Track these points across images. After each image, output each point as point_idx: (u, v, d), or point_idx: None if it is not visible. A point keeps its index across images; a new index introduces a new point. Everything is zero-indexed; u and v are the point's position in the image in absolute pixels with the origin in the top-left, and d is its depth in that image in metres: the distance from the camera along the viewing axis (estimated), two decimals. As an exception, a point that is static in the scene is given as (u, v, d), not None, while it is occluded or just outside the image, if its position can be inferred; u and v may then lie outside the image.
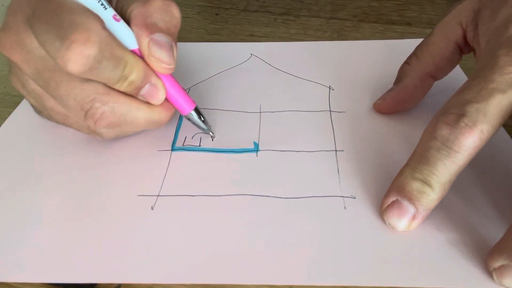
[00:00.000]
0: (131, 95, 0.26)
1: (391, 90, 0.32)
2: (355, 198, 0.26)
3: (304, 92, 0.35)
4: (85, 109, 0.25)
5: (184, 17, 0.47)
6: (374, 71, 0.36)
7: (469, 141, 0.21)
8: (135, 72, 0.24)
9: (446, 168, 0.22)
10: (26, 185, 0.27)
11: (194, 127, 0.29)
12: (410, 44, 0.32)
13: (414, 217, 0.23)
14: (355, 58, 0.38)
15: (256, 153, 0.29)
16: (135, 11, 0.25)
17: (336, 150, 0.29)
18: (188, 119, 0.29)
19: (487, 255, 0.21)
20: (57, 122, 0.28)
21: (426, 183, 0.22)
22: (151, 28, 0.24)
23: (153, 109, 0.27)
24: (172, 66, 0.26)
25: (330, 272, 0.22)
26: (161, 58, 0.25)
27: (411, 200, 0.23)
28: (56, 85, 0.24)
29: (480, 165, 0.27)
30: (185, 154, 0.29)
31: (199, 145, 0.30)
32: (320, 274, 0.22)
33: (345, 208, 0.25)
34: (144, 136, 0.31)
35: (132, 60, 0.24)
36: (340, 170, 0.28)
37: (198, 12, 0.48)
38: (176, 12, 0.26)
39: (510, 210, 0.24)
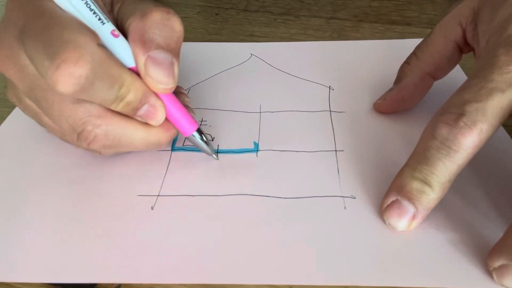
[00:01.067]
0: (128, 115, 0.24)
1: (391, 90, 0.32)
2: (355, 198, 0.26)
3: (304, 92, 0.35)
4: (77, 132, 0.24)
5: (184, 17, 0.47)
6: (374, 71, 0.36)
7: (469, 140, 0.21)
8: (132, 93, 0.23)
9: (445, 168, 0.22)
10: (26, 185, 0.27)
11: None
12: (410, 44, 0.32)
13: (414, 217, 0.23)
14: (355, 58, 0.38)
15: (256, 153, 0.29)
16: (133, 25, 0.23)
17: (336, 150, 0.29)
18: (190, 140, 0.27)
19: (486, 255, 0.21)
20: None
21: (425, 182, 0.22)
22: (148, 44, 0.22)
23: (151, 130, 0.25)
24: (171, 86, 0.24)
25: (330, 272, 0.22)
26: (159, 78, 0.23)
27: (411, 200, 0.23)
28: (48, 105, 0.23)
29: (480, 165, 0.27)
30: (185, 154, 0.29)
31: (199, 145, 0.30)
32: (320, 274, 0.22)
33: (345, 208, 0.25)
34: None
35: (129, 79, 0.23)
36: (340, 170, 0.28)
37: (198, 12, 0.48)
38: (177, 25, 0.24)
39: (510, 210, 0.24)
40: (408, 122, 0.31)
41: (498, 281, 0.21)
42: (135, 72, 0.23)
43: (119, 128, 0.24)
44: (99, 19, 0.22)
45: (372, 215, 0.25)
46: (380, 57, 0.38)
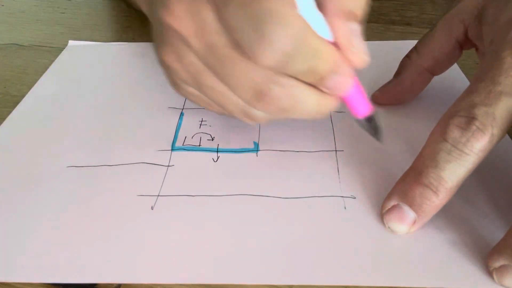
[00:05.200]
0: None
1: (389, 82, 0.32)
2: (355, 198, 0.26)
3: (304, 92, 0.35)
4: (257, 90, 0.22)
5: (184, 17, 0.47)
6: (374, 71, 0.36)
7: (481, 144, 0.21)
8: (326, 64, 0.21)
9: (454, 171, 0.21)
10: (26, 185, 0.27)
11: (194, 126, 0.29)
12: (410, 45, 0.32)
13: (414, 222, 0.23)
14: (355, 58, 0.38)
15: (256, 153, 0.29)
16: None
17: (336, 150, 0.29)
18: (360, 123, 0.26)
19: (487, 255, 0.21)
20: (197, 103, 0.26)
21: (430, 188, 0.22)
22: (349, 16, 0.21)
23: (325, 98, 0.23)
24: (367, 58, 0.23)
25: (330, 272, 0.22)
26: (362, 50, 0.22)
27: (412, 206, 0.22)
28: (230, 63, 0.22)
29: (480, 165, 0.26)
30: (185, 154, 0.29)
31: (199, 145, 0.30)
32: (320, 274, 0.22)
33: (345, 208, 0.25)
34: (144, 136, 0.31)
35: (327, 52, 0.21)
36: (340, 170, 0.28)
37: (198, 12, 0.48)
38: None
39: (510, 210, 0.24)
40: (408, 122, 0.31)
41: (499, 282, 0.21)
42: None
43: (299, 90, 0.23)
44: None
45: (372, 215, 0.24)
46: (380, 57, 0.38)
